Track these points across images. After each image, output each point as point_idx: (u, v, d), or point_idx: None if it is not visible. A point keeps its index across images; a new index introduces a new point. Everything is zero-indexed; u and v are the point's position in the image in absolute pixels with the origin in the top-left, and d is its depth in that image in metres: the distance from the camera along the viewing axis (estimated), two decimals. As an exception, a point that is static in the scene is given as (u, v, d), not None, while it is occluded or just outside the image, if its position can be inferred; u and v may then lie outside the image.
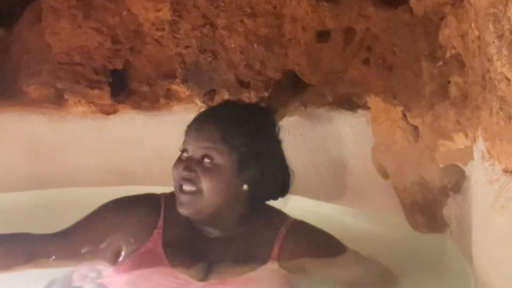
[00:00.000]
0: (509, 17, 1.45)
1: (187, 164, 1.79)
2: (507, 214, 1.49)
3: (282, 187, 1.94)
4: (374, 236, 2.41)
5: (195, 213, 1.81)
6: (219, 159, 1.78)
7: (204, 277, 1.80)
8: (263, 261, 1.82)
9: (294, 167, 2.74)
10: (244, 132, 1.82)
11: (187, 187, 1.79)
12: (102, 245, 1.86)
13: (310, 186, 2.73)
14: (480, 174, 1.71)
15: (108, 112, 2.87)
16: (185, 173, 1.78)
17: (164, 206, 1.88)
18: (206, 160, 1.78)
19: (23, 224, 2.48)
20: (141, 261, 1.82)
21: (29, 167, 2.85)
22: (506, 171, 1.55)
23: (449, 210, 2.23)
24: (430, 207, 2.29)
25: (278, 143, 1.93)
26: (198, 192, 1.78)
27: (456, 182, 2.15)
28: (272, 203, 1.94)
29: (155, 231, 1.85)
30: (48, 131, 2.88)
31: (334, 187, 2.70)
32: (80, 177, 2.85)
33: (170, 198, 1.87)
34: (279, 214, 1.93)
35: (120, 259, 1.85)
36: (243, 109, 1.97)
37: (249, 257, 1.83)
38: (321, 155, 2.73)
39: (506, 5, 1.46)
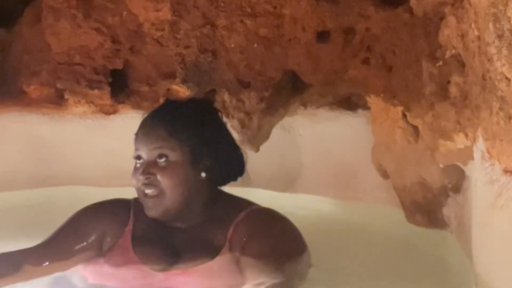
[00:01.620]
0: (509, 17, 1.45)
1: (144, 169, 1.85)
2: (507, 214, 1.49)
3: (238, 167, 2.00)
4: (374, 233, 2.42)
5: (163, 214, 1.87)
6: (172, 155, 1.85)
7: (167, 267, 1.86)
8: (221, 245, 1.86)
9: (294, 167, 2.77)
10: (189, 125, 1.90)
11: (149, 191, 1.85)
12: (83, 246, 1.94)
13: (310, 186, 2.73)
14: (480, 174, 1.71)
15: (108, 112, 2.87)
16: (143, 177, 1.84)
17: (133, 207, 1.97)
18: (161, 160, 1.84)
19: (23, 223, 2.49)
20: (112, 255, 1.91)
21: (29, 167, 2.85)
22: (506, 171, 1.55)
23: (449, 210, 2.22)
24: (430, 207, 2.29)
25: (224, 128, 2.02)
26: (161, 193, 1.84)
27: (456, 182, 2.15)
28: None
29: (126, 228, 1.94)
30: (48, 131, 2.88)
31: (334, 187, 2.70)
32: (80, 177, 2.85)
33: (138, 201, 1.95)
34: (244, 202, 1.98)
35: (98, 256, 1.94)
36: (183, 104, 2.06)
37: (208, 243, 1.87)
38: (321, 155, 2.73)
39: (506, 5, 1.45)
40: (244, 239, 1.86)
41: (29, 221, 2.57)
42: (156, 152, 1.85)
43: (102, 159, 2.86)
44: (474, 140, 1.82)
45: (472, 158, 1.87)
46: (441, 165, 2.13)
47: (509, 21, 1.45)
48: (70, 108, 2.85)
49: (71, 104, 2.84)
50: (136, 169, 1.88)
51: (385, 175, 2.50)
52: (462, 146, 1.97)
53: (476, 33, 1.71)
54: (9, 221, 2.53)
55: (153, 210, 1.86)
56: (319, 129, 2.73)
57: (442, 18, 2.04)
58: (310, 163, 2.75)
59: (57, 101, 2.86)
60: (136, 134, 1.93)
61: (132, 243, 1.91)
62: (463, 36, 1.88)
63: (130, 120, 2.87)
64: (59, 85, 2.83)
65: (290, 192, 2.72)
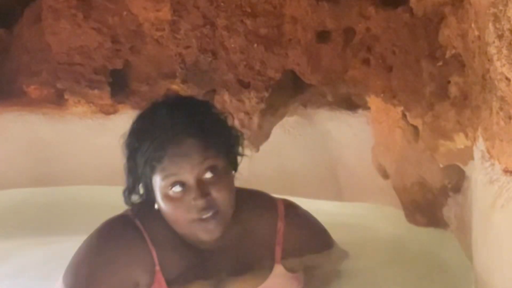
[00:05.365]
0: (509, 17, 1.45)
1: (199, 192, 1.61)
2: (507, 214, 1.49)
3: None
4: (374, 233, 2.42)
5: (222, 233, 1.67)
6: (217, 162, 1.66)
7: None
8: (268, 267, 1.76)
9: (294, 167, 2.77)
10: (211, 123, 1.72)
11: (207, 214, 1.62)
12: None
13: (310, 186, 2.73)
14: (480, 174, 1.71)
15: (108, 112, 2.87)
16: (201, 202, 1.61)
17: (146, 232, 1.72)
18: (209, 175, 1.63)
19: (23, 223, 2.50)
20: None
21: (29, 167, 2.85)
22: (506, 171, 1.55)
23: (449, 210, 2.22)
24: (430, 207, 2.29)
25: (225, 121, 1.82)
26: (218, 211, 1.63)
27: (456, 182, 2.15)
28: None
29: (155, 268, 1.70)
30: (48, 131, 2.88)
31: (334, 187, 2.70)
32: (80, 177, 2.85)
33: (143, 217, 1.74)
34: (267, 201, 1.84)
35: None
36: (193, 107, 1.79)
37: (251, 265, 1.74)
38: (321, 155, 2.73)
39: (506, 5, 1.45)
40: (306, 251, 1.84)
41: (29, 221, 2.58)
42: (202, 167, 1.62)
43: (102, 159, 2.85)
44: (474, 140, 1.82)
45: (472, 158, 1.87)
46: (441, 165, 2.13)
47: (509, 21, 1.45)
48: (70, 108, 2.86)
49: (71, 104, 2.85)
50: (177, 199, 1.62)
51: (385, 175, 2.50)
52: (462, 146, 1.98)
53: (476, 33, 1.71)
54: (9, 221, 2.53)
55: (214, 233, 1.63)
56: (319, 129, 2.73)
57: (442, 18, 2.04)
58: (310, 163, 2.75)
59: (57, 101, 2.87)
60: (162, 160, 1.65)
61: (167, 284, 1.69)
62: (463, 36, 1.88)
63: (130, 120, 2.82)
64: (59, 85, 2.83)
65: (289, 192, 2.72)
